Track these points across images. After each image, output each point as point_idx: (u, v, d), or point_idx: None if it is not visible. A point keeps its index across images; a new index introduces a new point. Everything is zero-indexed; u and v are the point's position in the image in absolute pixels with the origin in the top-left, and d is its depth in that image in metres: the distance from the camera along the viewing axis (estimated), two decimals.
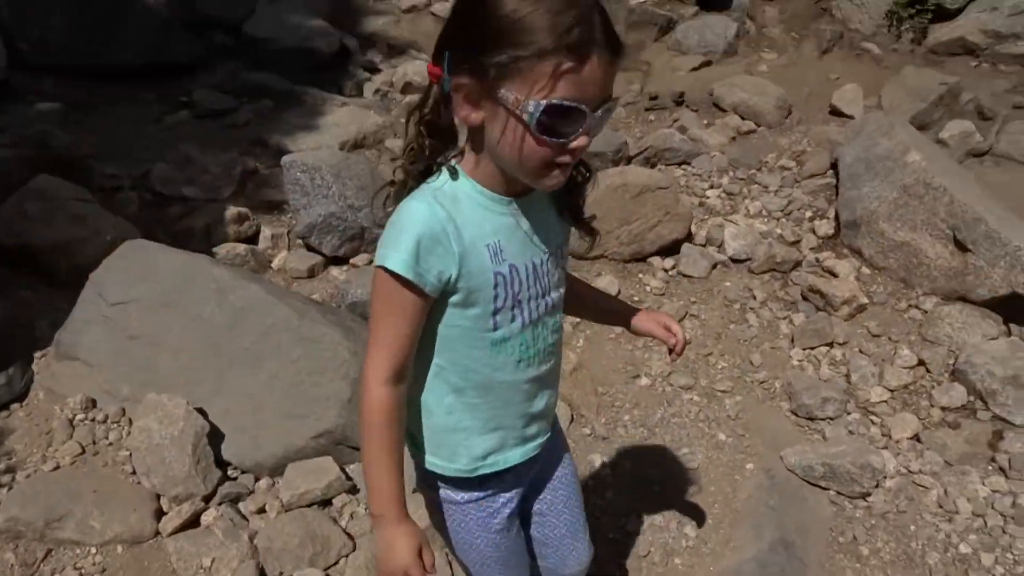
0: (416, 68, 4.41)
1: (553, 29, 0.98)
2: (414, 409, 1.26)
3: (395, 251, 1.09)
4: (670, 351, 1.48)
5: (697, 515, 2.27)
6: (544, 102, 1.00)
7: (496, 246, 1.15)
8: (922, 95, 4.60)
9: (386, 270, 1.09)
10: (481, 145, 1.12)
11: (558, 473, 1.50)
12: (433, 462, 1.30)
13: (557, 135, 1.04)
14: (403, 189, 1.17)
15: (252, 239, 3.15)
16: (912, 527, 2.26)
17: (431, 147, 1.14)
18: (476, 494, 1.32)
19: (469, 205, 1.14)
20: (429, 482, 1.34)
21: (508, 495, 1.36)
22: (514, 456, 1.32)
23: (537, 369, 1.28)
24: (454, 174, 1.14)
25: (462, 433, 1.27)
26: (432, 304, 1.15)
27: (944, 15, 5.24)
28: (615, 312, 1.57)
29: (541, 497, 1.50)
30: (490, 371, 1.23)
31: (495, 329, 1.19)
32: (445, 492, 1.33)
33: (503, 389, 1.25)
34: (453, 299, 1.15)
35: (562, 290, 1.30)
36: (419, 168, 1.16)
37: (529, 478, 1.41)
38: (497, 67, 1.00)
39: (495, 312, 1.18)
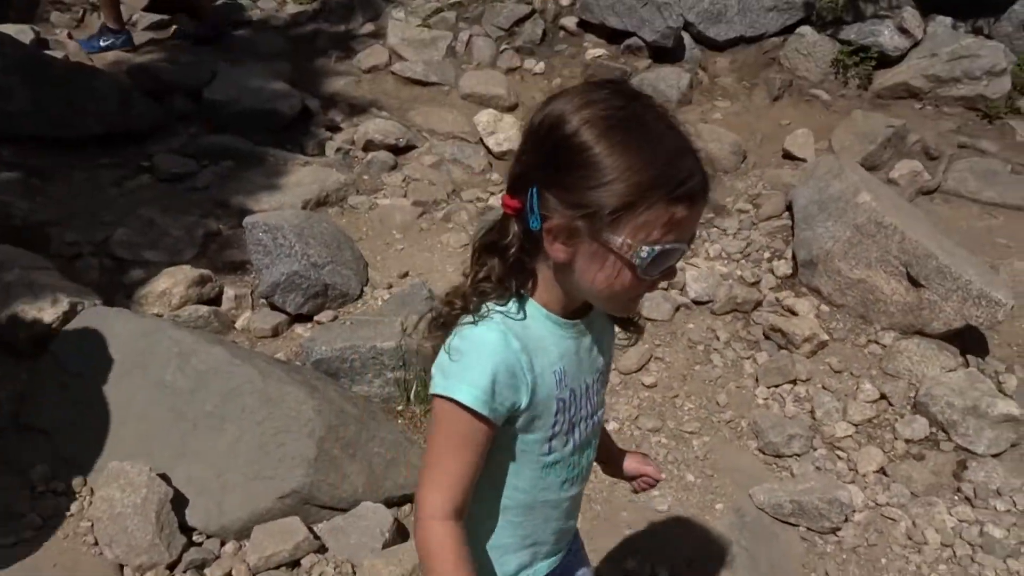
0: (377, 126, 4.46)
1: (670, 182, 0.99)
2: None
3: (467, 384, 1.05)
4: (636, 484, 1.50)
5: (669, 558, 2.26)
6: (658, 248, 1.01)
7: (561, 371, 1.14)
8: (871, 137, 4.76)
9: (456, 403, 1.05)
10: (560, 275, 1.09)
11: None
12: None
13: (658, 272, 1.05)
14: (462, 315, 1.11)
15: (215, 300, 3.13)
16: (883, 560, 2.27)
17: (517, 284, 1.10)
18: None
19: (539, 332, 1.11)
20: None
21: None
22: (542, 568, 1.29)
23: (579, 488, 1.27)
24: (523, 300, 1.11)
25: (498, 551, 1.24)
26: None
27: (887, 62, 5.45)
28: (610, 452, 1.51)
29: None
30: (536, 492, 1.20)
31: (549, 453, 1.17)
32: None
33: (545, 508, 1.23)
34: (514, 425, 1.12)
35: (604, 409, 1.29)
36: (487, 300, 1.11)
37: None
38: (608, 216, 0.99)
39: (552, 437, 1.16)
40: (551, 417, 1.14)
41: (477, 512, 1.18)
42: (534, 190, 1.03)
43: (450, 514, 1.07)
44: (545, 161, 1.03)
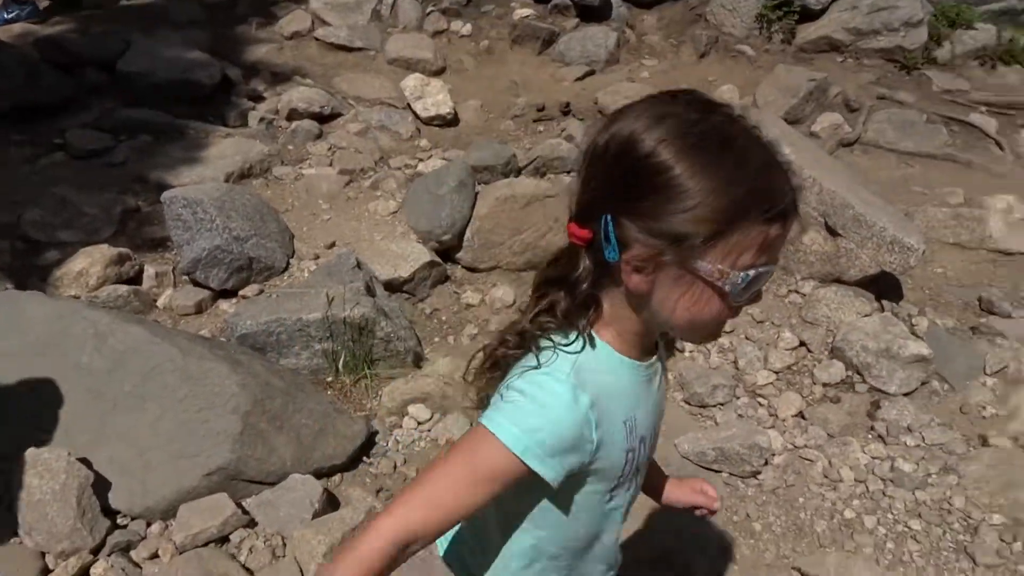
0: (300, 95, 4.37)
1: (762, 201, 0.89)
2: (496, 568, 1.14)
3: (526, 435, 0.93)
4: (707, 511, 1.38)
5: None
6: (752, 272, 0.91)
7: (632, 421, 1.04)
8: (793, 91, 4.85)
9: (498, 439, 0.93)
10: (634, 306, 0.99)
11: None
12: None
13: (747, 296, 0.96)
14: (519, 352, 1.02)
15: (135, 279, 3.06)
16: (800, 499, 2.36)
17: (590, 319, 1.00)
18: None
19: (613, 379, 1.01)
20: None
21: None
22: None
23: (624, 523, 1.19)
24: (593, 342, 1.00)
25: None
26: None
27: (809, 15, 5.53)
28: (652, 483, 1.39)
29: None
30: (591, 538, 1.13)
31: (611, 500, 1.09)
32: None
33: (598, 550, 1.17)
34: (573, 479, 1.01)
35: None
36: (548, 335, 1.01)
37: None
38: (699, 244, 0.90)
39: (615, 487, 1.07)
40: (619, 469, 1.05)
41: (523, 561, 1.12)
42: (608, 218, 0.93)
43: (402, 542, 0.93)
44: (618, 187, 0.92)
